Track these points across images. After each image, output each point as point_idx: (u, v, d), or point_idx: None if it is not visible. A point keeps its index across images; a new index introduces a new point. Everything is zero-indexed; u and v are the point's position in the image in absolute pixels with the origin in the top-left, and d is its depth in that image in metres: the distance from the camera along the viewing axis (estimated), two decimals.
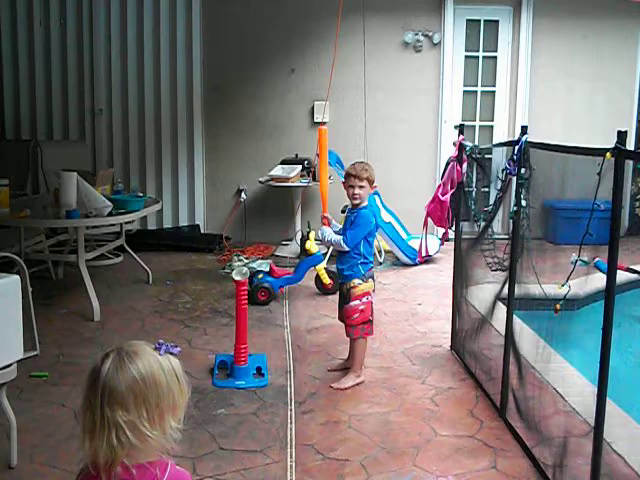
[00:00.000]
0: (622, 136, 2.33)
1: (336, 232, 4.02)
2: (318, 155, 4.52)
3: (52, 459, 3.10)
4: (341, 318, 4.08)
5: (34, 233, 5.87)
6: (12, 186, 5.45)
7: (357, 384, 3.95)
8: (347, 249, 3.91)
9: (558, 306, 2.80)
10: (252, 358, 4.11)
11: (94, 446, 1.46)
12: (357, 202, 3.94)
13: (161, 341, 1.56)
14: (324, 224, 4.12)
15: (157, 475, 1.51)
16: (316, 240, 4.54)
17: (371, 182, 3.92)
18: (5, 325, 2.94)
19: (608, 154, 2.33)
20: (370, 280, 3.98)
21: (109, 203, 5.19)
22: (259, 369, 4.08)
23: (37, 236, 5.92)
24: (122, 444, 1.46)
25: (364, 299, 3.94)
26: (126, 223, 6.10)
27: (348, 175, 3.97)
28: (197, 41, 7.55)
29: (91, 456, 1.48)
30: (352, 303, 3.93)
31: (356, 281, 3.93)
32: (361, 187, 3.90)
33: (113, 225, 6.08)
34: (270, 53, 7.66)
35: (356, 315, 3.93)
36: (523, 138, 3.20)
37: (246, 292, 4.09)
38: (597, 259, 5.11)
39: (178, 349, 1.57)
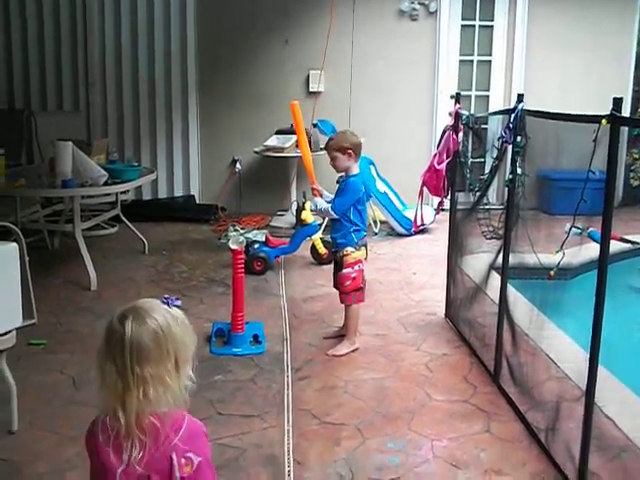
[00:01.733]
0: (618, 103, 2.34)
1: (328, 202, 4.04)
2: (294, 129, 4.56)
3: (51, 424, 3.15)
4: (335, 286, 4.12)
5: (30, 203, 5.87)
6: (7, 156, 5.43)
7: (352, 351, 4.00)
8: (335, 216, 3.95)
9: (552, 272, 2.83)
10: (249, 326, 4.15)
11: (125, 402, 1.53)
12: (340, 171, 4.01)
13: (166, 295, 1.62)
14: (315, 195, 4.17)
15: (176, 425, 1.59)
16: (311, 210, 4.56)
17: (343, 150, 3.91)
18: (3, 292, 2.96)
19: (604, 121, 2.34)
20: (362, 248, 4.02)
21: (105, 172, 5.19)
22: (256, 337, 4.12)
23: (33, 206, 5.93)
24: (149, 398, 1.54)
25: (356, 267, 3.98)
26: (121, 193, 6.10)
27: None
28: (191, 11, 7.48)
29: (113, 411, 1.55)
30: (344, 270, 3.97)
31: (349, 249, 3.96)
32: (334, 158, 3.94)
33: (108, 195, 6.07)
34: (265, 22, 7.59)
35: (348, 282, 3.98)
36: (519, 106, 3.21)
37: (243, 261, 4.12)
38: (591, 229, 5.15)
39: (179, 301, 1.64)
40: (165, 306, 1.62)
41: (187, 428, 1.61)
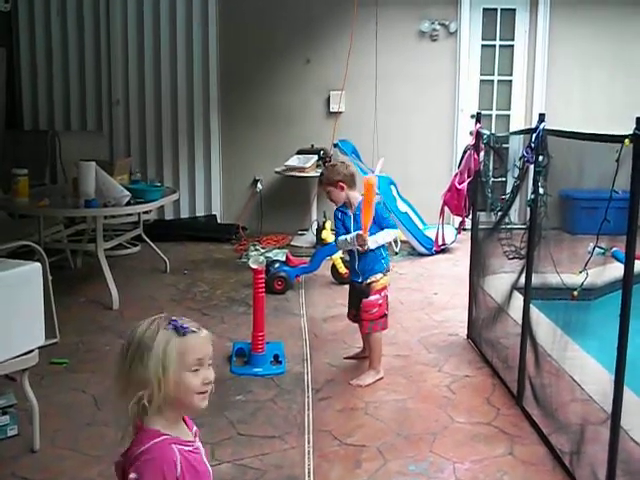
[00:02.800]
0: None
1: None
2: (363, 203, 3.87)
3: (73, 443, 3.15)
4: (355, 317, 4.07)
5: (53, 223, 5.93)
6: (31, 176, 5.50)
7: (377, 380, 3.90)
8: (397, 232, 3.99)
9: (576, 293, 2.80)
10: (269, 346, 4.14)
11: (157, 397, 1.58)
12: (340, 204, 3.98)
13: (174, 319, 1.64)
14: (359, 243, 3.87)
15: (141, 441, 1.59)
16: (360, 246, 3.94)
17: (335, 183, 3.91)
18: (27, 311, 2.99)
19: (627, 141, 2.32)
20: (388, 274, 3.99)
21: (127, 192, 5.22)
22: (276, 357, 4.11)
23: (56, 225, 5.98)
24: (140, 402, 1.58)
25: (382, 293, 3.92)
26: (144, 213, 6.14)
27: None
28: (213, 31, 7.56)
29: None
30: (372, 298, 3.88)
31: (378, 275, 3.90)
32: (329, 192, 3.97)
33: (131, 215, 6.12)
34: (286, 42, 7.65)
35: (375, 310, 3.89)
36: (541, 125, 3.19)
37: (263, 280, 4.13)
38: (615, 249, 5.09)
39: (195, 325, 1.66)
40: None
41: (149, 447, 1.57)
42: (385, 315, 3.95)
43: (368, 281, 3.90)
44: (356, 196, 3.95)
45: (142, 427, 1.60)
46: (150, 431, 1.59)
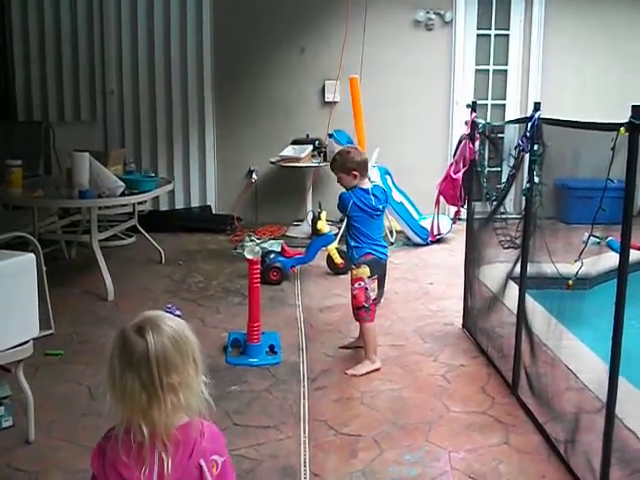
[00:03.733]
0: (637, 111, 2.31)
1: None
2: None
3: (69, 435, 3.15)
4: None
5: (47, 214, 5.91)
6: (25, 167, 5.48)
7: (372, 370, 3.88)
8: None
9: (570, 282, 2.80)
10: (265, 336, 4.14)
11: (150, 414, 1.53)
12: (349, 189, 3.93)
13: (168, 305, 1.64)
14: None
15: (198, 432, 1.59)
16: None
17: (348, 171, 3.87)
18: (21, 303, 2.98)
19: (622, 129, 2.31)
20: (364, 267, 3.87)
21: (122, 183, 5.21)
22: (272, 347, 4.11)
23: (50, 217, 5.96)
24: (177, 405, 1.54)
25: (356, 284, 3.88)
26: (139, 203, 6.12)
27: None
28: (207, 21, 7.51)
29: (137, 425, 1.54)
30: (350, 286, 3.94)
31: (353, 265, 3.93)
32: (339, 178, 3.94)
33: (125, 205, 6.10)
34: (280, 33, 7.61)
35: (352, 298, 3.93)
36: (536, 114, 3.19)
37: (259, 271, 4.12)
38: (610, 238, 5.10)
39: (179, 311, 1.66)
40: (170, 315, 1.64)
41: (207, 431, 1.61)
42: (363, 307, 3.88)
43: (351, 269, 3.96)
44: (365, 184, 3.93)
45: (183, 426, 1.58)
46: (191, 422, 1.60)
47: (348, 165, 3.87)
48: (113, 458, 1.57)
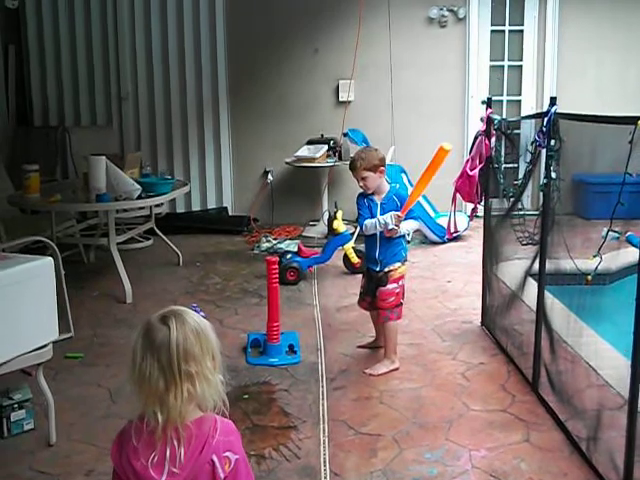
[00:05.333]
0: None
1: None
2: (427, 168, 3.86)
3: (89, 437, 3.17)
4: (366, 305, 4.05)
5: (65, 218, 5.95)
6: (42, 172, 5.53)
7: (391, 370, 3.86)
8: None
9: (589, 277, 2.78)
10: (284, 336, 4.15)
11: (167, 400, 1.56)
12: (371, 191, 3.86)
13: (194, 304, 1.66)
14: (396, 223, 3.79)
15: (212, 427, 1.61)
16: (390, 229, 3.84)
17: (375, 168, 3.80)
18: (40, 306, 3.00)
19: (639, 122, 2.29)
20: (404, 265, 3.93)
21: (138, 186, 5.23)
22: (291, 346, 4.11)
23: (68, 221, 6.00)
24: (194, 394, 1.58)
25: (400, 282, 3.88)
26: (155, 206, 6.15)
27: (351, 171, 3.93)
28: (220, 23, 7.53)
29: (152, 412, 1.57)
30: (389, 286, 3.84)
31: (397, 264, 3.86)
32: (365, 178, 3.81)
33: (142, 208, 6.13)
34: (294, 32, 7.62)
35: (392, 298, 3.85)
36: (552, 109, 3.16)
37: (277, 270, 4.12)
38: (629, 233, 5.05)
39: (203, 312, 1.72)
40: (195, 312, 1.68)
41: (221, 427, 1.62)
42: (401, 304, 3.92)
43: (386, 269, 3.86)
44: (385, 184, 3.90)
45: (196, 421, 1.60)
46: (205, 417, 1.62)
47: (375, 162, 3.80)
48: (126, 445, 1.61)
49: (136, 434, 1.60)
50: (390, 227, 3.76)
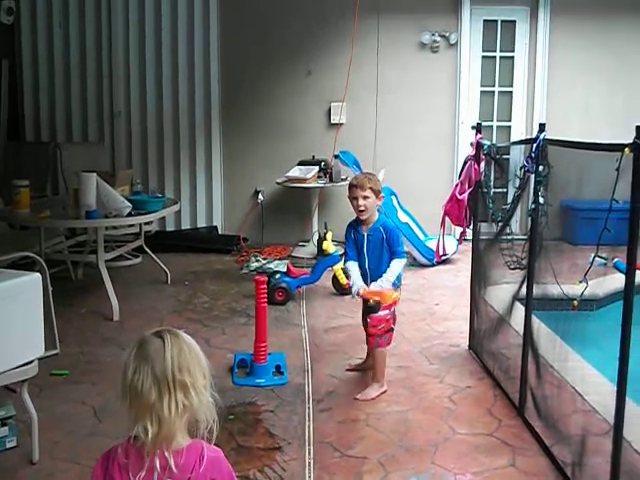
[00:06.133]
0: None
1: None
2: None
3: (73, 455, 3.14)
4: (364, 328, 4.03)
5: (54, 234, 5.93)
6: (32, 187, 5.51)
7: (381, 394, 3.85)
8: (405, 262, 3.89)
9: (576, 303, 2.79)
10: (271, 357, 4.13)
11: (159, 415, 1.55)
12: (364, 216, 3.82)
13: (184, 330, 1.66)
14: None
15: (199, 453, 1.60)
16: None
17: (377, 192, 3.81)
18: (27, 322, 2.98)
19: (627, 150, 2.32)
20: (399, 290, 3.91)
21: (128, 204, 5.23)
22: (278, 367, 4.10)
23: (57, 237, 5.99)
24: (185, 407, 1.57)
25: (392, 308, 3.86)
26: (145, 224, 6.14)
27: (351, 186, 3.88)
28: (214, 43, 7.59)
29: (142, 426, 1.56)
30: (381, 313, 3.81)
31: (390, 291, 3.84)
32: (365, 197, 3.77)
33: (132, 226, 6.12)
34: (287, 54, 7.68)
35: (382, 325, 3.84)
36: (541, 135, 3.20)
37: (266, 290, 4.11)
38: (616, 259, 5.08)
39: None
40: None
41: (208, 455, 1.61)
42: (391, 330, 3.90)
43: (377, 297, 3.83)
44: (376, 214, 3.90)
45: (182, 449, 1.59)
46: (192, 445, 1.61)
47: (380, 188, 3.86)
48: (111, 466, 1.60)
49: (124, 453, 1.59)
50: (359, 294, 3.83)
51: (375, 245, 3.85)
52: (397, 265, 3.81)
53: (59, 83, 7.69)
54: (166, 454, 1.56)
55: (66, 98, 7.71)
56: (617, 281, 4.41)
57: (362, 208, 3.80)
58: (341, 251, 6.07)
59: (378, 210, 3.99)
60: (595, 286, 2.93)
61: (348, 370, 4.19)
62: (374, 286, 3.80)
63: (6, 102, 7.58)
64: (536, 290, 3.45)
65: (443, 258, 6.73)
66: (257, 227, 7.78)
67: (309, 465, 3.08)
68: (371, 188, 3.79)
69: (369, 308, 3.88)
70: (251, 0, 7.61)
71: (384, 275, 3.79)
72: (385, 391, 3.88)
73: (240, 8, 7.61)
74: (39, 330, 3.06)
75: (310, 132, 7.75)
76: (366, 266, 3.88)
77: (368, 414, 3.61)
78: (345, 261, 3.99)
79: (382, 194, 3.89)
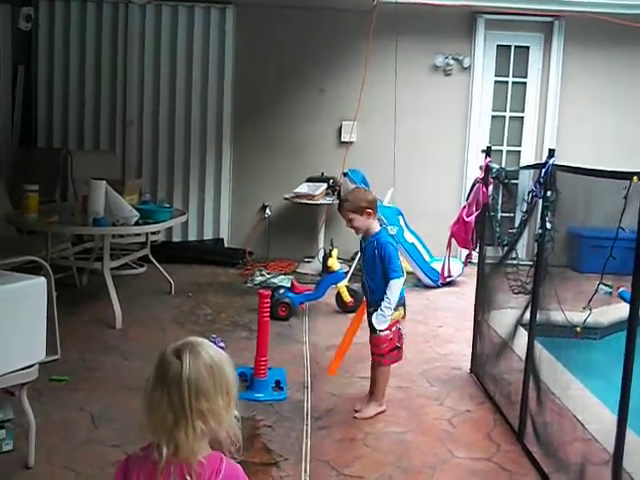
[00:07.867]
0: None
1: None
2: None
3: (69, 461, 3.13)
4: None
5: (61, 240, 5.95)
6: (41, 193, 5.53)
7: (379, 413, 3.84)
8: (403, 279, 3.77)
9: (578, 329, 2.78)
10: (272, 372, 4.12)
11: (174, 436, 1.52)
12: (359, 233, 3.85)
13: (213, 335, 1.64)
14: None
15: (217, 466, 1.58)
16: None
17: (361, 210, 3.74)
18: (29, 325, 2.99)
19: (635, 178, 2.32)
20: (400, 308, 3.83)
21: (136, 212, 5.25)
22: (278, 382, 4.09)
23: (63, 243, 6.00)
24: (204, 431, 1.54)
25: (393, 328, 3.80)
26: (152, 233, 6.16)
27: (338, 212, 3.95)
28: (229, 59, 7.64)
29: (157, 445, 1.54)
30: (382, 333, 3.77)
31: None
32: (350, 220, 3.77)
33: (139, 235, 6.13)
34: (301, 73, 7.72)
35: (384, 345, 3.80)
36: (550, 161, 3.20)
37: (269, 305, 4.11)
38: (622, 288, 5.06)
39: (223, 343, 1.66)
40: (213, 344, 1.65)
41: (225, 470, 1.58)
42: (397, 348, 3.85)
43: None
44: (375, 226, 3.83)
45: (201, 460, 1.56)
46: (209, 457, 1.58)
47: (362, 204, 3.74)
48: (129, 475, 1.59)
49: (139, 465, 1.58)
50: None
51: (369, 256, 3.81)
52: (394, 287, 3.70)
53: (73, 91, 7.73)
54: (184, 468, 1.55)
55: (80, 106, 7.76)
56: (622, 310, 4.40)
57: (356, 230, 3.85)
58: (346, 269, 6.09)
59: (381, 224, 3.98)
60: (599, 314, 2.92)
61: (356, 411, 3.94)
62: (376, 317, 3.73)
63: (20, 107, 7.64)
64: (540, 316, 3.44)
65: (448, 280, 6.71)
66: (263, 241, 7.78)
67: None
68: (349, 210, 3.77)
69: (372, 329, 3.85)
70: (267, 18, 7.67)
71: (383, 303, 3.70)
72: (384, 411, 3.86)
73: (256, 26, 7.66)
74: (41, 334, 3.06)
75: (320, 150, 7.78)
76: (364, 278, 3.89)
77: (366, 433, 3.59)
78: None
79: (368, 209, 3.74)
